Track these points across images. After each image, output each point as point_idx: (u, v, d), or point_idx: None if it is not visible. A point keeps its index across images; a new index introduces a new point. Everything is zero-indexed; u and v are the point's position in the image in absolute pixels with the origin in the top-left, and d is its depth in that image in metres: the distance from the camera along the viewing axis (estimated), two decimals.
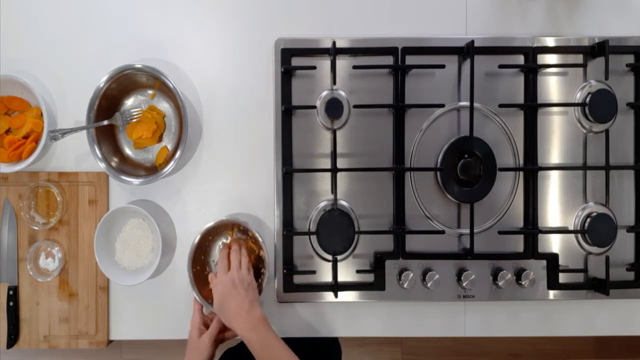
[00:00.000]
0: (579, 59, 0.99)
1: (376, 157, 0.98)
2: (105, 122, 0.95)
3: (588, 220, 0.97)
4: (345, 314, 1.00)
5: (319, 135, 0.99)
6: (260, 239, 0.93)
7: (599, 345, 1.92)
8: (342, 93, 0.98)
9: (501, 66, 0.97)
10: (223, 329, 0.90)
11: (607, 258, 0.96)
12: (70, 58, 1.00)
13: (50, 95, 1.00)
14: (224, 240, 0.98)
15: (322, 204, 0.98)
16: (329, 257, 0.97)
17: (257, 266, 0.96)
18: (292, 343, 0.85)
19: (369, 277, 0.98)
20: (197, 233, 0.93)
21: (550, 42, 0.98)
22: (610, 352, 1.92)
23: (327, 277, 0.98)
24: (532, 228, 0.97)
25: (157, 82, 0.97)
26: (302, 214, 0.99)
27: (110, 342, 1.00)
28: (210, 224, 0.93)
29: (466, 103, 0.97)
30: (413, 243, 0.98)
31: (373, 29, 1.00)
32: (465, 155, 0.97)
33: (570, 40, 0.99)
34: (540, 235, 0.97)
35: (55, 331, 0.99)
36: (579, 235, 0.98)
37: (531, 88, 0.98)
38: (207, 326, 0.90)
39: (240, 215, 1.00)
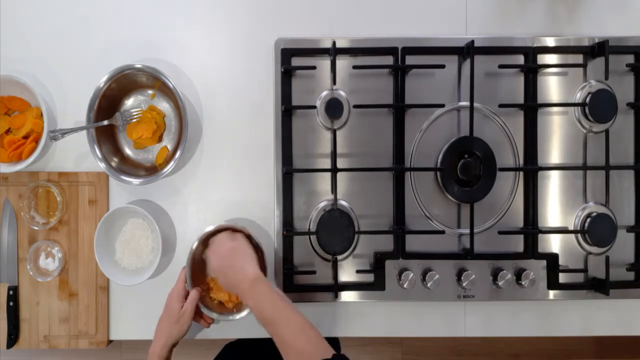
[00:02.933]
0: (579, 59, 0.99)
1: (376, 157, 0.98)
2: (105, 122, 0.95)
3: (588, 220, 0.97)
4: (345, 314, 1.00)
5: (319, 135, 0.99)
6: (259, 243, 0.93)
7: (599, 345, 1.92)
8: (342, 93, 0.98)
9: (501, 66, 0.97)
10: (198, 311, 0.91)
11: (607, 258, 0.96)
12: (70, 58, 1.00)
13: (50, 95, 1.00)
14: None
15: (322, 204, 0.98)
16: (329, 257, 0.97)
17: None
18: None
19: (369, 277, 0.98)
20: (196, 239, 0.93)
21: (550, 42, 0.98)
22: (610, 352, 1.92)
23: (327, 277, 0.98)
24: (532, 228, 0.97)
25: (157, 82, 0.97)
26: (302, 214, 0.99)
27: (110, 342, 1.00)
28: (209, 228, 0.93)
29: (466, 103, 0.97)
30: (413, 243, 0.98)
31: (373, 29, 1.00)
32: (465, 155, 0.97)
33: (570, 40, 0.99)
34: (540, 235, 0.97)
35: (55, 331, 0.99)
36: (579, 235, 0.98)
37: (531, 88, 0.98)
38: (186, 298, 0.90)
39: (239, 220, 0.99)
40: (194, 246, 0.93)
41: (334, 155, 0.97)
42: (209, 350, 1.18)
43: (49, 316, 0.99)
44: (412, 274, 0.95)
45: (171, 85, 0.92)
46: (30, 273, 0.98)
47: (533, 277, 0.95)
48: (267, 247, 0.98)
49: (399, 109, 0.97)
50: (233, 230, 0.93)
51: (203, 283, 0.95)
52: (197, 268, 0.95)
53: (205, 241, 0.93)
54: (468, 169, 0.96)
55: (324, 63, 0.98)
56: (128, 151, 1.00)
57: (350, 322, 1.00)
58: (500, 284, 0.96)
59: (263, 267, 0.93)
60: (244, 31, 1.01)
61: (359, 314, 1.00)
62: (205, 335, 1.00)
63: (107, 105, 0.96)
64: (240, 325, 0.98)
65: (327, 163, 0.98)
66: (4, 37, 1.00)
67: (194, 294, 0.89)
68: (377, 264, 0.98)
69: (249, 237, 0.94)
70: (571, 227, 0.99)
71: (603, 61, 0.96)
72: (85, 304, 0.99)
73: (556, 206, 0.99)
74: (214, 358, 1.13)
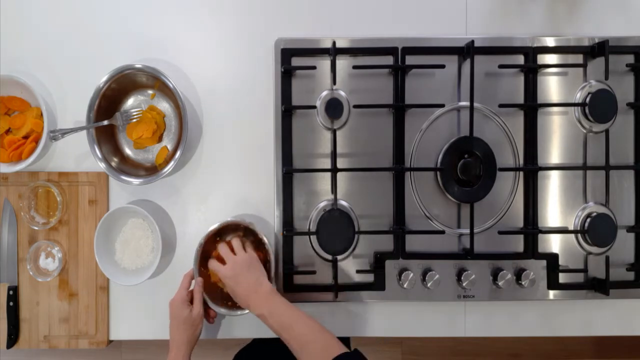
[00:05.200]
0: (579, 59, 0.99)
1: (376, 157, 0.98)
2: (105, 122, 0.95)
3: (588, 220, 0.97)
4: (345, 314, 1.00)
5: (319, 135, 0.99)
6: (265, 240, 0.93)
7: (599, 345, 1.92)
8: (342, 93, 0.98)
9: (501, 66, 0.97)
10: (205, 307, 0.91)
11: (607, 258, 0.96)
12: (70, 58, 1.00)
13: (50, 95, 1.00)
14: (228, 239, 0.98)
15: (322, 204, 0.98)
16: (329, 257, 0.97)
17: (262, 262, 0.95)
18: None
19: (369, 277, 0.98)
20: (203, 233, 0.93)
21: (550, 42, 0.98)
22: (610, 352, 1.92)
23: (327, 277, 0.98)
24: (532, 228, 0.97)
25: (157, 82, 0.97)
26: (302, 214, 0.99)
27: (110, 342, 1.00)
28: (215, 225, 0.93)
29: (466, 103, 0.97)
30: (413, 243, 0.98)
31: (373, 29, 1.00)
32: (465, 155, 0.97)
33: (570, 40, 0.99)
34: (540, 235, 0.97)
35: (55, 331, 0.99)
36: (579, 235, 0.98)
37: (531, 88, 0.98)
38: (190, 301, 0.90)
39: (245, 215, 0.99)
40: (202, 240, 0.93)
41: (334, 155, 0.97)
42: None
43: (49, 316, 0.99)
44: (412, 274, 0.95)
45: (171, 85, 0.92)
46: (30, 273, 0.98)
47: (533, 277, 0.95)
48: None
49: (399, 109, 0.97)
50: (240, 226, 0.94)
51: (208, 279, 0.95)
52: (204, 263, 0.95)
53: (213, 237, 0.94)
54: (468, 169, 0.96)
55: (324, 63, 0.98)
56: (128, 151, 1.00)
57: (350, 322, 1.00)
58: (500, 284, 0.96)
59: (268, 265, 0.94)
60: (244, 31, 1.01)
61: (359, 314, 1.00)
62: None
63: (107, 105, 0.96)
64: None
65: (327, 163, 0.98)
66: (4, 37, 1.00)
67: (200, 299, 0.89)
68: (377, 264, 0.98)
69: (254, 233, 0.94)
70: (571, 227, 0.99)
71: (603, 61, 0.96)
72: (85, 304, 0.99)
73: (556, 206, 0.99)
74: None
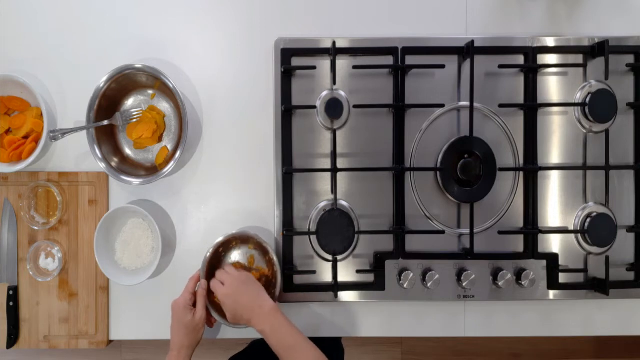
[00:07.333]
0: (579, 59, 0.99)
1: (376, 157, 0.98)
2: (105, 122, 0.95)
3: (588, 220, 0.97)
4: (345, 314, 1.00)
5: (319, 135, 0.99)
6: (272, 253, 0.93)
7: (599, 345, 1.92)
8: (342, 93, 0.98)
9: (501, 66, 0.97)
10: (207, 314, 0.92)
11: (607, 258, 0.96)
12: (70, 58, 1.00)
13: (50, 95, 1.00)
14: (235, 253, 0.97)
15: (322, 204, 0.98)
16: (329, 257, 0.97)
17: (269, 278, 0.95)
18: None
19: (369, 277, 0.98)
20: (210, 244, 0.93)
21: (550, 42, 0.98)
22: (610, 352, 1.92)
23: (327, 277, 0.98)
24: (532, 228, 0.97)
25: (157, 82, 0.97)
26: (302, 214, 0.99)
27: (110, 342, 1.00)
28: (220, 238, 0.93)
29: (466, 103, 0.97)
30: (413, 243, 0.98)
31: (373, 29, 1.00)
32: (465, 155, 0.97)
33: (570, 40, 0.99)
34: (540, 235, 0.97)
35: (55, 331, 0.99)
36: (579, 235, 0.98)
37: (531, 88, 0.98)
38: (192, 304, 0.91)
39: (250, 228, 0.99)
40: (209, 254, 0.93)
41: (334, 155, 0.97)
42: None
43: (49, 316, 0.99)
44: (412, 274, 0.95)
45: (171, 85, 0.92)
46: (30, 273, 0.98)
47: (533, 277, 0.95)
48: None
49: (399, 109, 0.97)
50: (249, 239, 0.95)
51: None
52: (210, 271, 0.94)
53: (218, 249, 0.94)
54: (468, 169, 0.96)
55: (324, 63, 0.98)
56: (128, 151, 1.00)
57: (350, 322, 1.00)
58: (500, 284, 0.96)
59: (274, 281, 0.94)
60: (244, 31, 1.01)
61: (359, 314, 1.00)
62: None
63: (107, 105, 0.96)
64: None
65: (327, 163, 0.98)
66: (4, 37, 1.00)
67: (203, 305, 0.89)
68: (377, 264, 0.98)
69: (263, 248, 0.94)
70: (571, 227, 0.99)
71: (603, 61, 0.96)
72: (85, 304, 0.99)
73: (556, 206, 0.99)
74: None
